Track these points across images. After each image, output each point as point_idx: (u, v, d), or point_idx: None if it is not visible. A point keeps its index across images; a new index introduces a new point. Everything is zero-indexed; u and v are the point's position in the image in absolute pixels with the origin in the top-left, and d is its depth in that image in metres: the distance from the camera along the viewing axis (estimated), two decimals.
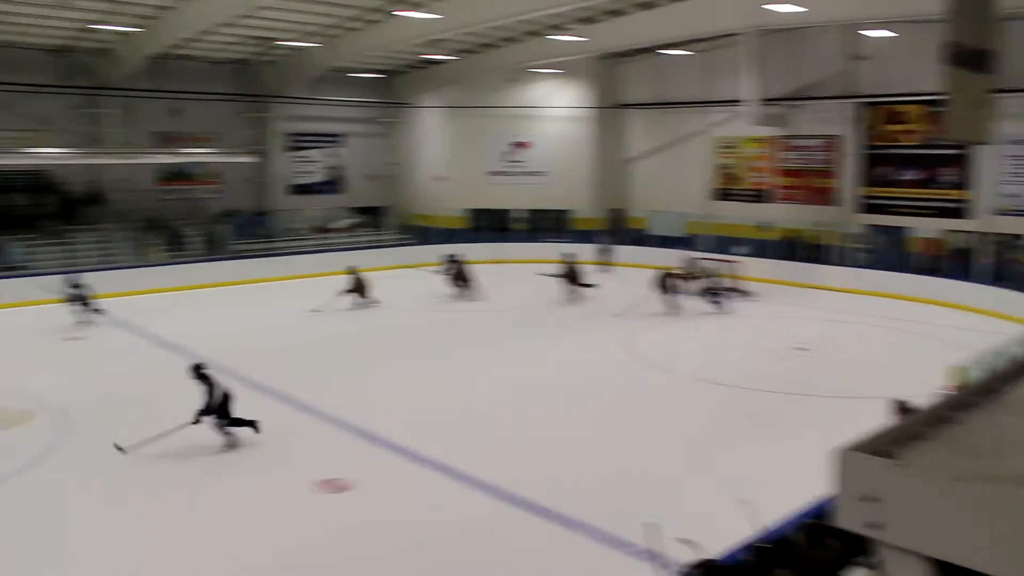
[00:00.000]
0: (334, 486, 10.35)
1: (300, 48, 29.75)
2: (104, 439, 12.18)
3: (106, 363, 17.58)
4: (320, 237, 32.91)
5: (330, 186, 35.82)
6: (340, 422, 12.95)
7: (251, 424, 12.28)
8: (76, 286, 20.69)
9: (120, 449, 11.59)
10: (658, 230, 33.06)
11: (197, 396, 11.74)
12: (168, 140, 30.97)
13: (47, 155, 27.67)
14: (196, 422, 11.80)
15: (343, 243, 32.65)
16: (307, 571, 8.52)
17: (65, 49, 28.12)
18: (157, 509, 10.02)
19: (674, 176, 33.16)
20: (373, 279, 23.85)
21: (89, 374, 16.61)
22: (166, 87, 29.86)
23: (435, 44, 29.28)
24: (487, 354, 18.10)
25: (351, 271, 23.64)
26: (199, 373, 11.98)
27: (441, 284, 25.05)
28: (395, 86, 36.41)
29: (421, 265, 25.51)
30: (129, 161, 29.91)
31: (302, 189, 35.01)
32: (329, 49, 29.47)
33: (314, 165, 35.44)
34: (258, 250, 30.23)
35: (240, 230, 30.68)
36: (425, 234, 34.36)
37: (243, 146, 31.20)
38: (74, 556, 8.93)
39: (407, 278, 26.49)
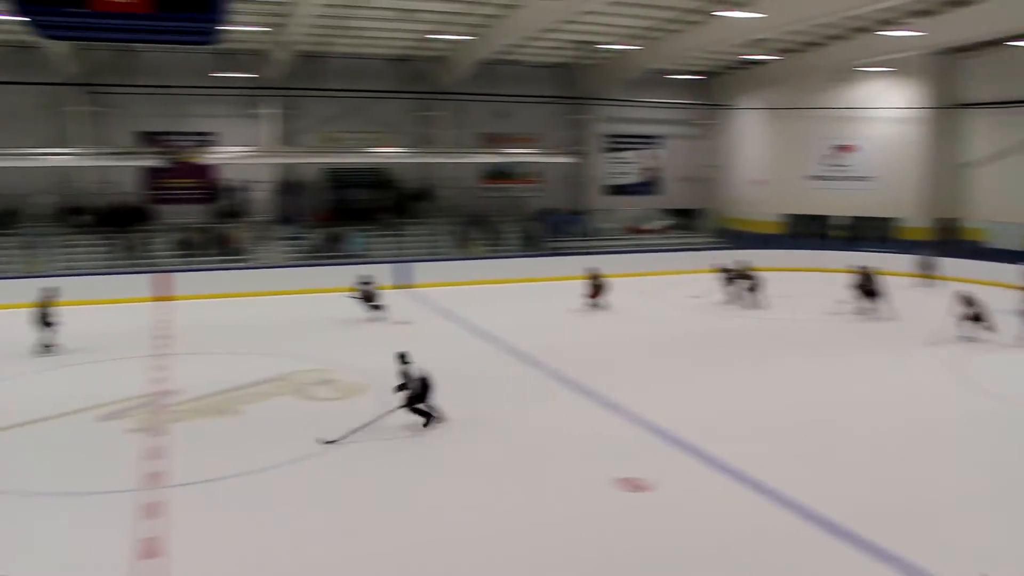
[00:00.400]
0: (632, 485, 10.40)
1: (620, 51, 30.33)
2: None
3: (426, 347, 18.87)
4: (633, 237, 33.31)
5: (645, 187, 36.18)
6: (643, 421, 13.00)
7: (430, 418, 12.66)
8: (365, 282, 22.02)
9: (328, 442, 12.04)
10: (998, 243, 29.63)
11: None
12: (493, 140, 32.91)
13: (386, 154, 30.46)
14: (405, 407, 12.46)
15: (656, 244, 32.81)
16: (598, 568, 8.62)
17: (405, 58, 30.88)
18: (457, 488, 10.55)
19: (1022, 184, 29.74)
20: (681, 282, 23.66)
21: (413, 354, 17.95)
22: (493, 91, 31.81)
23: (756, 44, 28.65)
24: (793, 366, 17.29)
25: (592, 275, 23.15)
26: (402, 362, 12.64)
27: (739, 290, 24.05)
28: (713, 87, 36.05)
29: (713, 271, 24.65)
30: (457, 160, 32.22)
31: (618, 190, 35.69)
32: (648, 51, 29.82)
33: (630, 166, 35.95)
34: (572, 248, 31.18)
35: (556, 228, 31.81)
36: (739, 239, 33.59)
37: (562, 147, 32.40)
38: (377, 518, 9.65)
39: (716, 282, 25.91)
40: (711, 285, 24.34)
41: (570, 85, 33.74)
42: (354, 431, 12.20)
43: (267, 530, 9.19)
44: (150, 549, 8.66)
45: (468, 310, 22.85)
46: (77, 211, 28.73)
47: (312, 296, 24.63)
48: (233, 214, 29.98)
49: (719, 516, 9.56)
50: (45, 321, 17.93)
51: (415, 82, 31.35)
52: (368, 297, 21.67)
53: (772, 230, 33.73)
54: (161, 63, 28.09)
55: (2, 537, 9.11)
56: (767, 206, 34.26)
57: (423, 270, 27.70)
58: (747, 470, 10.67)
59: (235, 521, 9.42)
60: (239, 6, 21.73)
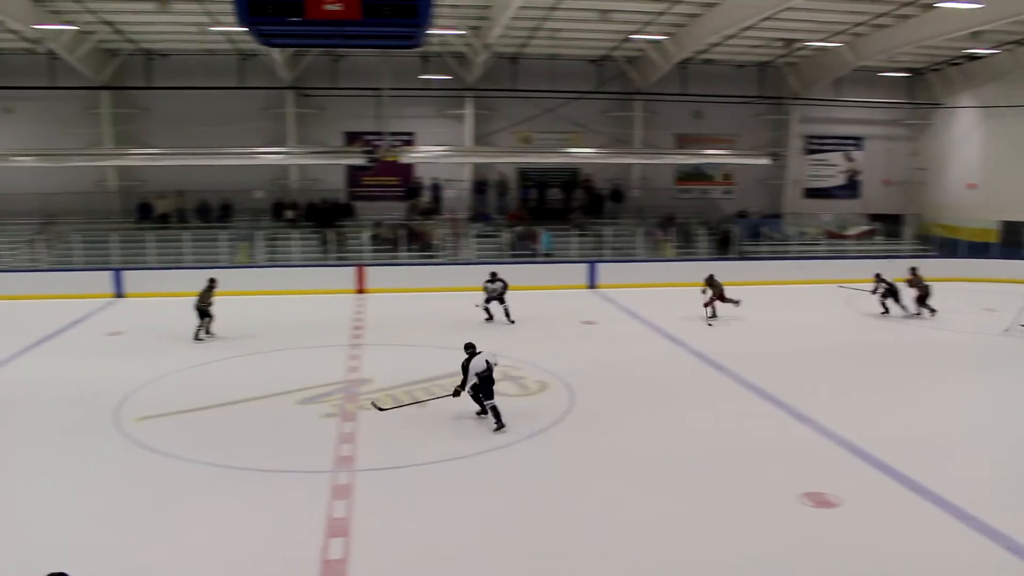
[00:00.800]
0: (818, 499, 10.08)
1: (824, 48, 29.25)
2: (601, 413, 13.70)
3: (612, 347, 19.02)
4: (832, 242, 32.00)
5: (846, 191, 34.72)
6: (830, 433, 12.54)
7: (485, 413, 13.06)
8: (493, 280, 21.82)
9: (379, 408, 13.42)
10: None
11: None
12: (688, 141, 32.57)
13: (580, 155, 30.66)
14: (456, 395, 13.00)
15: (856, 250, 31.41)
16: None
17: (601, 59, 31.01)
18: (637, 489, 10.50)
19: None
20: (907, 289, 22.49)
21: (596, 355, 18.10)
22: (689, 91, 31.48)
23: (976, 37, 26.82)
24: (980, 383, 16.13)
25: (711, 284, 22.10)
26: (468, 352, 13.18)
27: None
28: (923, 85, 34.03)
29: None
30: (651, 161, 32.13)
31: (817, 193, 34.47)
32: (855, 48, 28.64)
33: (832, 168, 34.59)
34: (767, 252, 30.36)
35: (750, 231, 31.05)
36: (948, 247, 31.58)
37: (759, 148, 31.57)
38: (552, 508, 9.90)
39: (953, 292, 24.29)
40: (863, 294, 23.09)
41: (770, 85, 32.88)
42: (404, 405, 13.65)
43: (448, 518, 9.54)
44: (339, 528, 9.18)
45: (655, 312, 22.74)
46: (287, 206, 30.59)
47: None
48: (429, 211, 31.03)
49: (910, 538, 9.12)
50: (203, 310, 19.39)
51: (612, 83, 31.41)
52: (501, 297, 21.64)
53: (986, 238, 31.39)
54: (365, 67, 29.43)
55: (206, 507, 9.93)
56: (981, 212, 31.92)
57: (612, 270, 27.77)
58: (943, 493, 10.10)
59: (417, 507, 9.82)
60: (440, 10, 22.49)
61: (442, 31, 25.39)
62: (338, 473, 10.86)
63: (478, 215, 31.56)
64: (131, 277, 26.33)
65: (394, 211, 31.45)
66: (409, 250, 29.05)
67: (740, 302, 22.25)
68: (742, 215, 32.46)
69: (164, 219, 30.38)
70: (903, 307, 22.08)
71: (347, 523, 9.32)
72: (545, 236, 29.51)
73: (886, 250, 31.53)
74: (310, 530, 9.14)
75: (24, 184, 29.83)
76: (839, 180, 34.75)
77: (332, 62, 30.57)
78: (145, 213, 30.49)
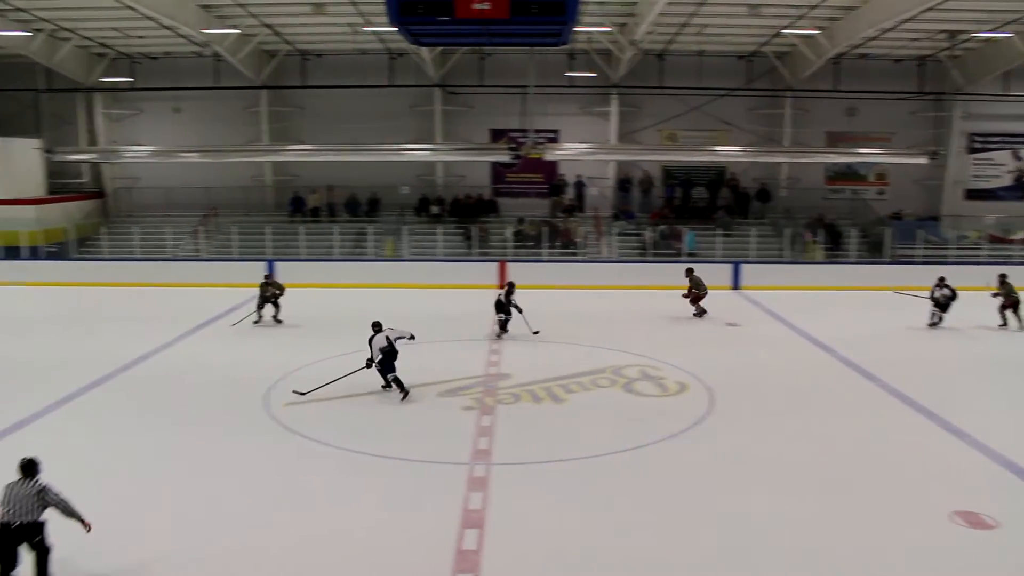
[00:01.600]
0: (972, 520, 9.60)
1: (992, 39, 27.75)
2: (740, 417, 13.60)
3: (755, 350, 18.63)
4: (995, 247, 30.25)
5: (1014, 192, 32.82)
6: (988, 450, 11.91)
7: (389, 386, 14.54)
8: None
9: (299, 393, 14.30)
10: None
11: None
12: (840, 140, 31.65)
13: (727, 153, 30.16)
14: (368, 367, 14.43)
15: (1023, 256, 29.57)
16: None
17: (750, 55, 30.41)
18: (773, 497, 10.24)
19: None
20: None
21: (739, 358, 17.78)
22: (842, 87, 30.59)
23: None
24: None
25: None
26: (373, 329, 14.55)
27: None
28: None
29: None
30: (800, 160, 31.34)
31: (980, 194, 32.71)
32: None
33: (998, 168, 32.76)
34: (922, 256, 28.98)
35: (904, 233, 29.72)
36: None
37: (916, 146, 30.15)
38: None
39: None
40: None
41: (930, 80, 31.48)
42: (322, 387, 14.44)
43: (582, 517, 9.63)
44: (474, 519, 9.35)
45: (801, 316, 22.19)
46: (432, 202, 31.28)
47: (644, 292, 24.98)
48: (572, 209, 31.12)
49: None
50: (266, 301, 20.69)
51: (761, 79, 30.76)
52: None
53: None
54: (512, 64, 29.77)
55: (344, 491, 10.51)
56: None
57: (757, 272, 27.19)
58: None
59: (551, 504, 10.00)
60: (587, 7, 22.53)
61: (589, 28, 25.45)
62: (475, 465, 11.12)
63: (621, 213, 31.53)
64: (283, 268, 27.47)
65: (537, 208, 31.85)
66: (551, 247, 29.24)
67: (705, 313, 22.20)
68: (896, 217, 31.17)
69: (315, 213, 31.73)
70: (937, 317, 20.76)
71: (482, 515, 9.56)
72: (689, 235, 29.21)
73: None
74: (445, 520, 9.43)
75: (189, 178, 31.95)
76: (1006, 180, 32.88)
77: (479, 60, 31.16)
78: (297, 207, 31.88)
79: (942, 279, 20.98)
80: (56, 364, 16.89)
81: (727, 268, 27.29)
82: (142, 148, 31.35)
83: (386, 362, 14.37)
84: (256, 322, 20.75)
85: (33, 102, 32.29)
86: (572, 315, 22.31)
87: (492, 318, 19.79)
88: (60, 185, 32.80)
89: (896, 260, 28.74)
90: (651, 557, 8.75)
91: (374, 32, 27.18)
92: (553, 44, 14.23)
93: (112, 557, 8.59)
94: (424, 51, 28.50)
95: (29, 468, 7.99)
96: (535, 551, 8.81)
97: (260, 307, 20.83)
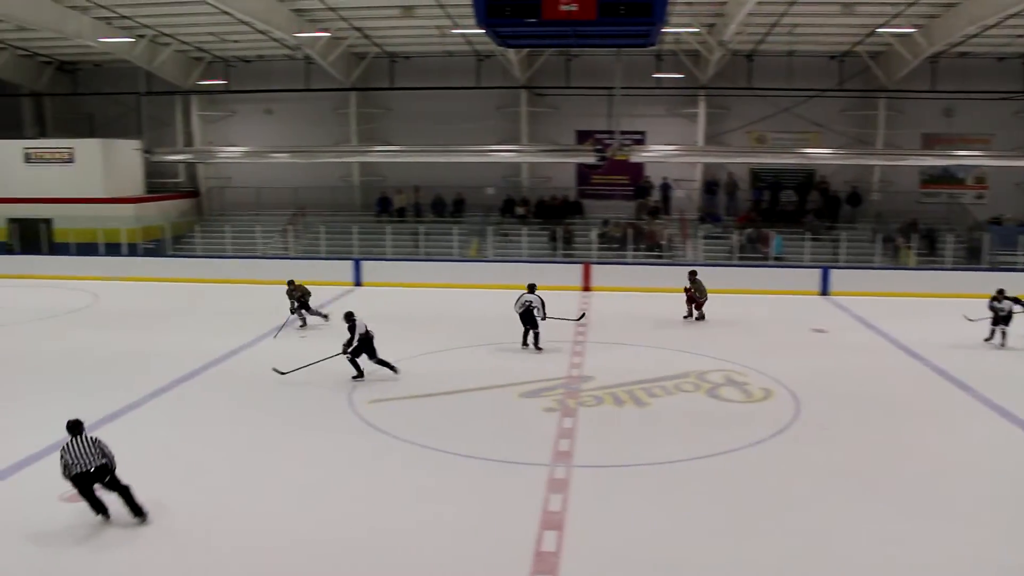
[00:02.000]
0: None
1: None
2: (827, 425, 13.30)
3: (844, 357, 18.20)
4: None
5: None
6: None
7: (391, 367, 15.67)
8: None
9: (280, 372, 15.37)
10: None
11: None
12: (936, 142, 30.74)
13: (817, 155, 29.61)
14: (343, 354, 15.44)
15: None
16: None
17: (845, 54, 29.67)
18: (862, 511, 9.94)
19: None
20: None
21: (826, 364, 17.39)
22: (940, 87, 29.69)
23: None
24: None
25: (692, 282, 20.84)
26: (347, 319, 15.51)
27: None
28: None
29: None
30: (894, 163, 30.65)
31: None
32: None
33: None
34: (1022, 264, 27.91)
35: (1005, 239, 28.66)
36: None
37: (1020, 148, 29.01)
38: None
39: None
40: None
41: None
42: (301, 368, 15.46)
43: (663, 523, 9.57)
44: (553, 521, 9.35)
45: (892, 322, 21.61)
46: (517, 203, 31.39)
47: (729, 296, 24.63)
48: (657, 211, 30.91)
49: None
50: (299, 304, 20.76)
51: (853, 79, 30.06)
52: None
53: None
54: (598, 65, 29.71)
55: (423, 489, 10.66)
56: None
57: (847, 277, 26.55)
58: None
59: (632, 508, 9.96)
60: (675, 8, 22.34)
61: (676, 29, 25.22)
62: (555, 467, 11.16)
63: (707, 216, 31.20)
64: (369, 267, 27.95)
65: (622, 210, 31.79)
66: (636, 249, 29.07)
67: (703, 318, 21.74)
68: (996, 222, 30.08)
69: (401, 213, 32.20)
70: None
71: (561, 517, 9.58)
72: (776, 239, 28.71)
73: None
74: (525, 520, 9.46)
75: (279, 178, 32.82)
76: None
77: (565, 61, 31.22)
78: (384, 207, 32.40)
79: (1001, 291, 19.38)
80: (151, 357, 17.58)
81: (815, 273, 26.71)
82: (235, 149, 32.51)
83: (369, 348, 15.56)
84: (302, 326, 20.77)
85: (134, 105, 33.56)
86: (656, 318, 22.15)
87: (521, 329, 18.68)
88: (158, 184, 34.05)
89: (996, 267, 27.72)
90: (730, 566, 8.67)
91: (461, 34, 27.48)
92: (640, 45, 14.15)
93: (214, 542, 9.05)
94: (511, 53, 28.68)
95: (77, 426, 9.47)
96: (614, 555, 8.77)
97: (298, 312, 20.74)
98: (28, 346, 19.08)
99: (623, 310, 23.30)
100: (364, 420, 13.36)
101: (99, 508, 9.37)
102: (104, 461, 9.30)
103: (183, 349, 18.13)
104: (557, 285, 26.28)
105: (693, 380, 15.85)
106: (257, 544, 9.00)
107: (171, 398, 14.68)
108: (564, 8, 10.83)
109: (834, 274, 26.81)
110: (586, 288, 26.93)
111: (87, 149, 31.84)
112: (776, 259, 28.49)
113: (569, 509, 9.83)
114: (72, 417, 9.52)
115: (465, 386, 15.33)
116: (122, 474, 9.38)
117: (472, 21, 11.96)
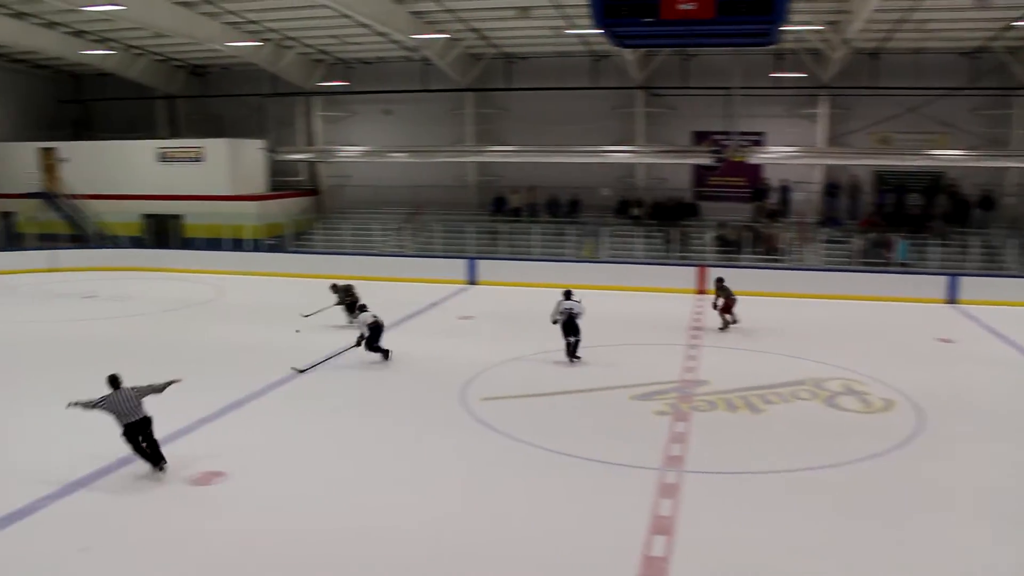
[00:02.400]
0: None
1: None
2: (951, 440, 12.82)
3: (971, 369, 17.48)
4: None
5: None
6: None
7: (384, 353, 16.91)
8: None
9: (298, 371, 15.86)
10: None
11: None
12: None
13: (946, 157, 28.56)
14: (357, 345, 16.81)
15: None
16: None
17: (978, 50, 28.38)
18: (964, 520, 9.74)
19: None
20: None
21: (952, 376, 16.75)
22: None
23: None
24: None
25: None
26: (360, 310, 17.24)
27: None
28: None
29: None
30: None
31: None
32: None
33: None
34: None
35: None
36: None
37: None
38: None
39: None
40: None
41: None
42: (319, 363, 16.32)
43: (774, 533, 9.40)
44: (663, 526, 9.29)
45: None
46: (632, 204, 31.25)
47: (851, 302, 24.00)
48: (776, 214, 30.28)
49: None
50: (350, 307, 20.43)
51: (985, 77, 28.73)
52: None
53: None
54: (716, 65, 29.29)
55: (533, 488, 10.75)
56: None
57: (977, 285, 25.48)
58: None
59: (743, 516, 9.86)
60: (796, 5, 21.80)
61: (797, 27, 24.61)
62: (666, 472, 11.11)
63: (828, 219, 30.39)
64: (483, 266, 28.26)
65: (739, 212, 31.29)
66: (753, 253, 28.55)
67: (738, 322, 20.88)
68: None
69: (516, 213, 32.45)
70: None
71: (671, 522, 9.54)
72: (901, 244, 27.76)
73: None
74: (634, 524, 9.47)
75: (397, 177, 33.60)
76: None
77: (683, 61, 30.94)
78: (499, 206, 32.71)
79: None
80: (272, 350, 18.25)
81: (942, 280, 25.72)
82: (354, 148, 33.48)
83: (377, 335, 16.87)
84: (351, 321, 20.17)
85: (259, 106, 34.83)
86: (773, 323, 21.73)
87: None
88: (280, 183, 35.24)
89: None
90: None
91: (577, 34, 27.52)
92: (760, 44, 13.91)
93: (327, 534, 9.32)
94: (627, 53, 28.56)
95: (115, 380, 10.40)
96: (723, 562, 8.73)
97: (349, 312, 20.48)
98: (158, 336, 20.21)
99: (739, 314, 22.91)
100: (475, 417, 13.61)
101: (155, 459, 10.40)
102: (144, 415, 10.30)
103: (302, 343, 18.54)
104: (671, 288, 26.15)
105: (810, 388, 15.54)
106: (370, 535, 9.27)
107: (289, 390, 15.16)
108: (682, 7, 10.76)
109: (963, 281, 25.75)
110: (701, 291, 26.55)
111: (215, 149, 33.23)
112: (900, 265, 27.55)
113: (679, 514, 9.83)
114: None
115: (576, 387, 15.46)
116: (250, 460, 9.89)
117: (588, 21, 11.98)
